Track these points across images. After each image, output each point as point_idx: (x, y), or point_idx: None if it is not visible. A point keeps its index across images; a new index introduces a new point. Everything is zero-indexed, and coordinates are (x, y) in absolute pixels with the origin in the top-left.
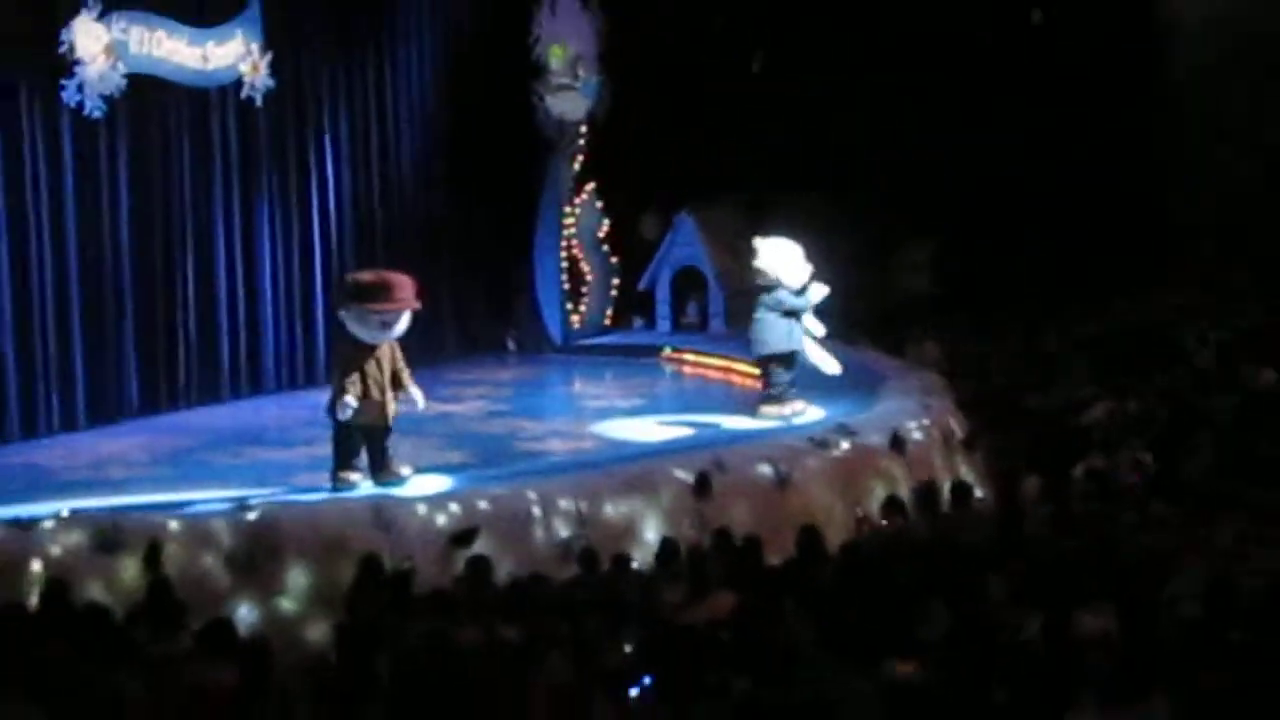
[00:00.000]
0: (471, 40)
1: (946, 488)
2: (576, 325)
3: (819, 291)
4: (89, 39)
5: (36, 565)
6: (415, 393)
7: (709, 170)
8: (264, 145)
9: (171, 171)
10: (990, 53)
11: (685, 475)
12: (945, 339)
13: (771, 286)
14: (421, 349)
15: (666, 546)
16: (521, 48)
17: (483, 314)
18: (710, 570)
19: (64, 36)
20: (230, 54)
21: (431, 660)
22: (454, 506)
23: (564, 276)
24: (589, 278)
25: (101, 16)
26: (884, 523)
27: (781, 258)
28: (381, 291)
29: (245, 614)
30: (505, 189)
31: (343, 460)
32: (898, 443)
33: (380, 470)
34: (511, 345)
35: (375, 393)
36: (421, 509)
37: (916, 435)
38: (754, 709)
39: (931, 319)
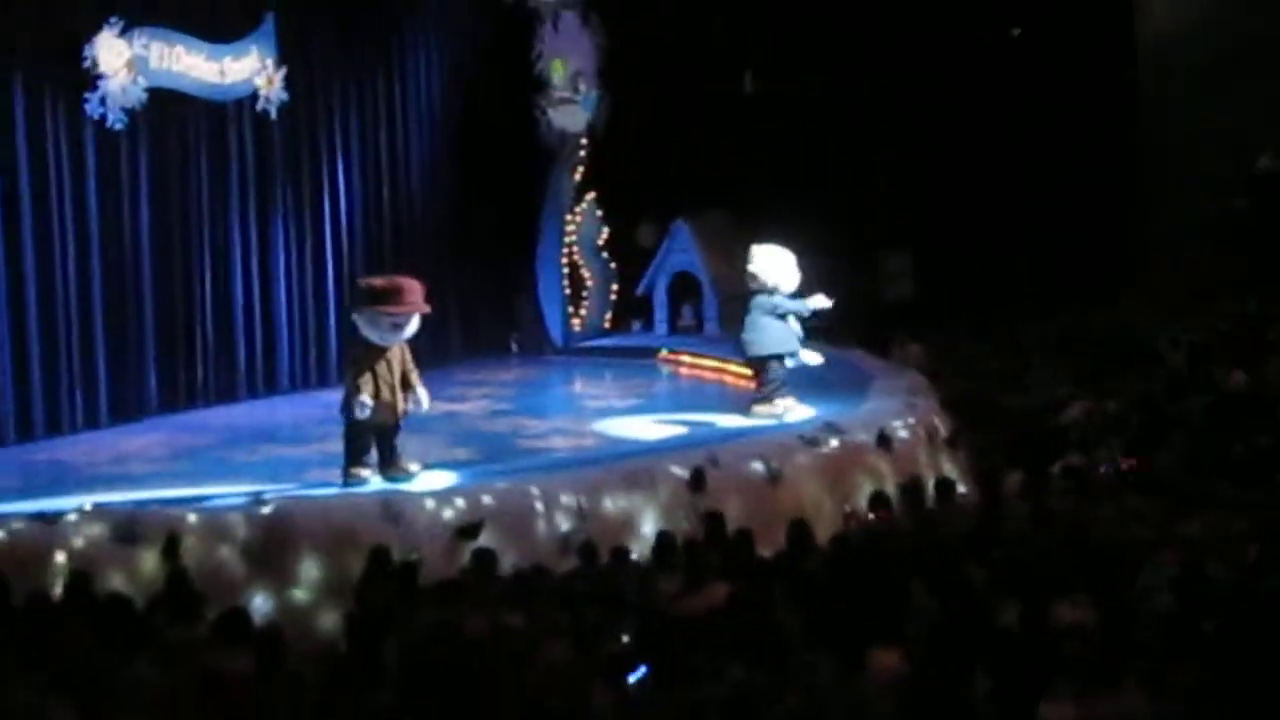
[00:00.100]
0: (477, 56)
1: (931, 483)
2: (577, 328)
3: (820, 302)
4: (111, 54)
5: (60, 557)
6: (422, 394)
7: (703, 181)
8: (278, 156)
9: (190, 180)
10: (970, 71)
11: (681, 471)
12: (929, 341)
13: (765, 290)
14: (429, 350)
15: (663, 540)
16: (524, 63)
17: (487, 317)
18: (705, 562)
19: (87, 52)
20: (246, 69)
21: (438, 648)
22: (460, 501)
23: (565, 281)
24: (589, 283)
25: (123, 33)
26: (871, 517)
27: (775, 263)
28: (392, 295)
29: (260, 604)
30: (509, 198)
31: (353, 457)
32: (884, 440)
33: (389, 466)
34: (515, 347)
35: (386, 392)
36: (429, 503)
37: (902, 433)
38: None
39: (916, 322)
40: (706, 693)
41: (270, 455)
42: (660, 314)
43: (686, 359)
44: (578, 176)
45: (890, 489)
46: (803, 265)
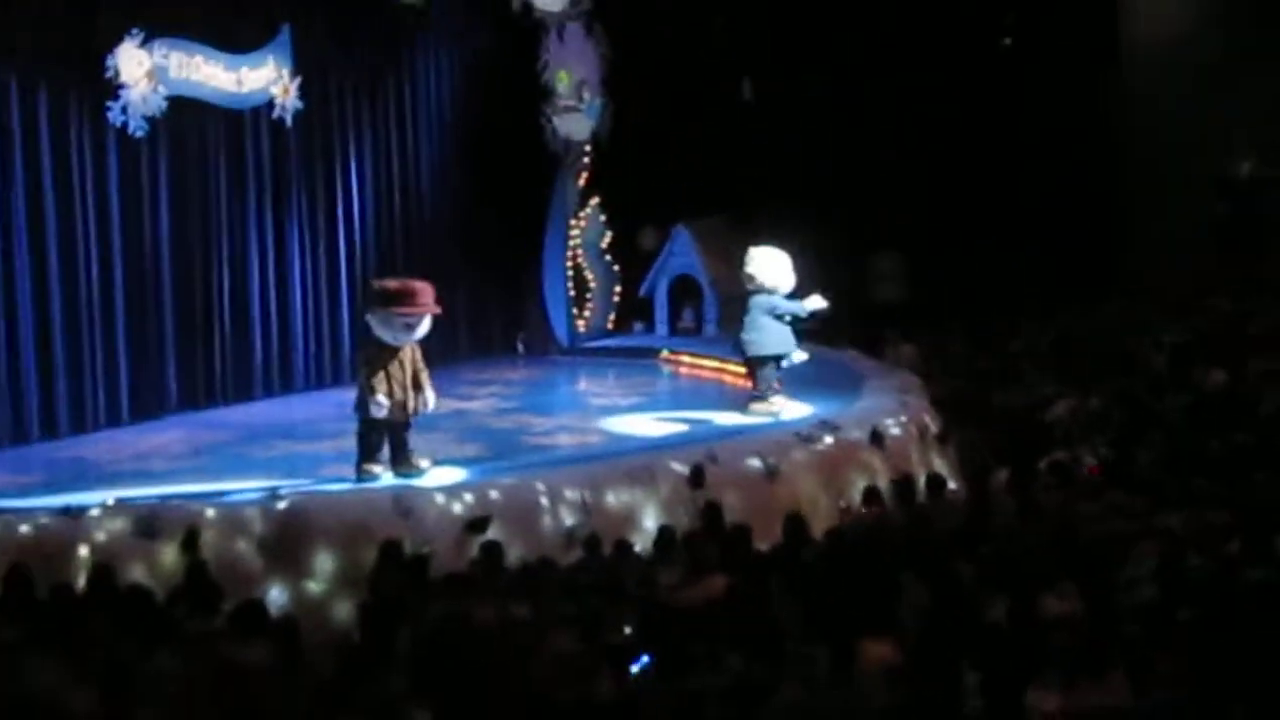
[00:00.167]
0: (485, 65)
1: (922, 479)
2: (581, 329)
3: (816, 302)
4: (132, 64)
5: (84, 550)
6: (429, 396)
7: (703, 186)
8: (293, 162)
9: (208, 186)
10: (961, 80)
11: (681, 467)
12: (921, 342)
13: (762, 291)
14: (438, 350)
15: (664, 533)
16: (531, 73)
17: (495, 318)
18: (704, 555)
19: (109, 62)
20: (262, 78)
21: (448, 637)
22: (468, 496)
23: (570, 284)
24: (593, 285)
25: (144, 43)
26: (864, 511)
27: (772, 265)
28: (405, 297)
29: (276, 595)
30: (516, 203)
31: (366, 453)
32: (877, 438)
33: (400, 462)
34: (521, 347)
35: (398, 391)
36: (439, 498)
37: (894, 431)
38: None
39: (908, 323)
40: (706, 682)
41: (286, 452)
42: (661, 315)
43: (686, 359)
44: (582, 182)
45: (883, 485)
46: (798, 267)
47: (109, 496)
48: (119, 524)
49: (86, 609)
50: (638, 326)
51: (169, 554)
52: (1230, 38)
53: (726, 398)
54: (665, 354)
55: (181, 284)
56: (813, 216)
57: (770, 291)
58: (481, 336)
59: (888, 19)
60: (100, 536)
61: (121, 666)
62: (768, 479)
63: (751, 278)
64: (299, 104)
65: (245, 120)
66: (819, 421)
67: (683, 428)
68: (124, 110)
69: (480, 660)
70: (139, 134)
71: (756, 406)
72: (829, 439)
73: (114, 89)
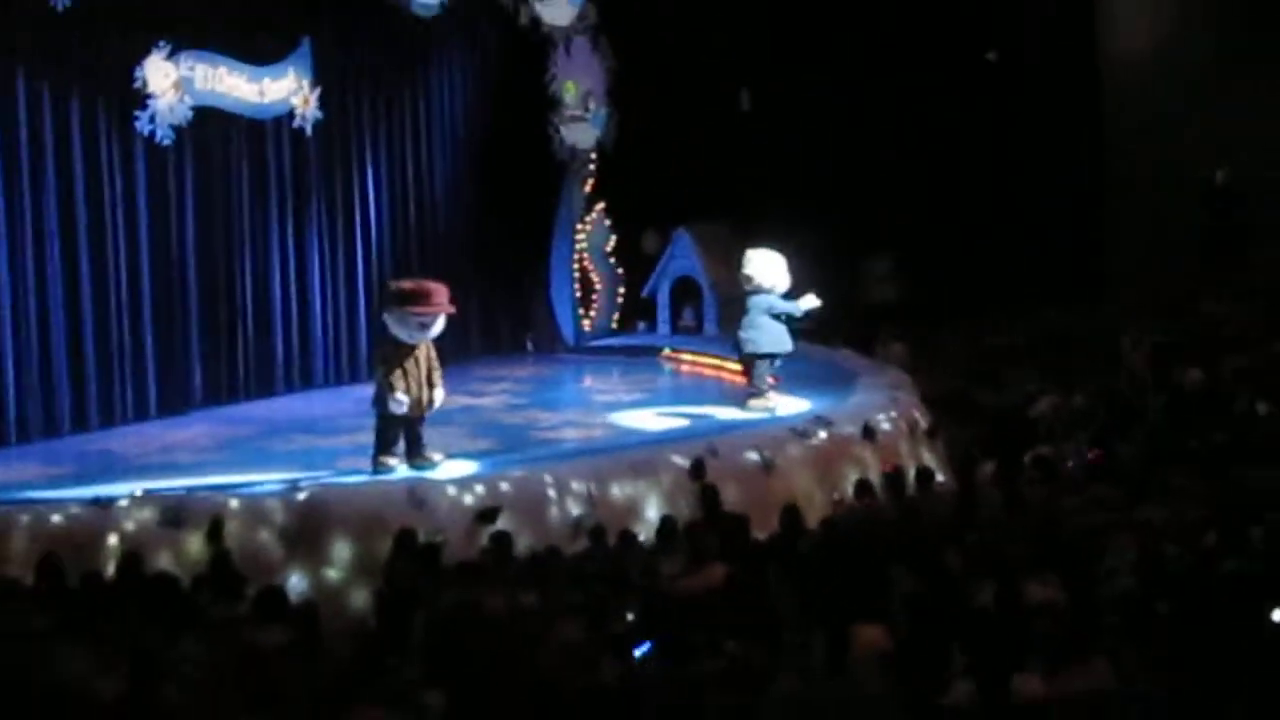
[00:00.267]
0: (496, 77)
1: (912, 472)
2: (587, 328)
3: (811, 302)
4: (160, 75)
5: (113, 539)
6: (438, 394)
7: (703, 192)
8: (312, 169)
9: (231, 192)
10: (949, 93)
11: (682, 461)
12: (911, 341)
13: (760, 291)
14: (451, 348)
15: (666, 524)
16: (539, 84)
17: (505, 318)
18: (704, 545)
19: (138, 73)
20: (284, 89)
21: (460, 623)
22: (479, 488)
23: (576, 285)
24: (598, 286)
25: (171, 56)
26: (857, 503)
27: (768, 265)
28: (420, 297)
29: (296, 583)
30: (525, 208)
31: (382, 446)
32: (869, 433)
33: (415, 456)
34: (530, 346)
35: (414, 388)
36: (451, 490)
37: (885, 426)
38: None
39: (899, 323)
40: (706, 667)
41: (306, 445)
42: (663, 315)
43: (687, 357)
44: (587, 188)
45: (874, 478)
46: (793, 270)
47: (137, 488)
48: (147, 514)
49: (115, 596)
50: (641, 326)
51: (194, 543)
52: (1211, 46)
53: (725, 394)
54: (667, 352)
55: (206, 285)
56: (807, 220)
57: (767, 292)
58: (492, 336)
59: (879, 32)
60: (129, 526)
61: (148, 651)
62: (765, 472)
63: (749, 278)
64: (318, 114)
65: (267, 129)
66: (814, 417)
67: (684, 422)
68: (151, 119)
69: (490, 646)
70: (166, 142)
71: (754, 402)
72: (823, 434)
73: (142, 99)
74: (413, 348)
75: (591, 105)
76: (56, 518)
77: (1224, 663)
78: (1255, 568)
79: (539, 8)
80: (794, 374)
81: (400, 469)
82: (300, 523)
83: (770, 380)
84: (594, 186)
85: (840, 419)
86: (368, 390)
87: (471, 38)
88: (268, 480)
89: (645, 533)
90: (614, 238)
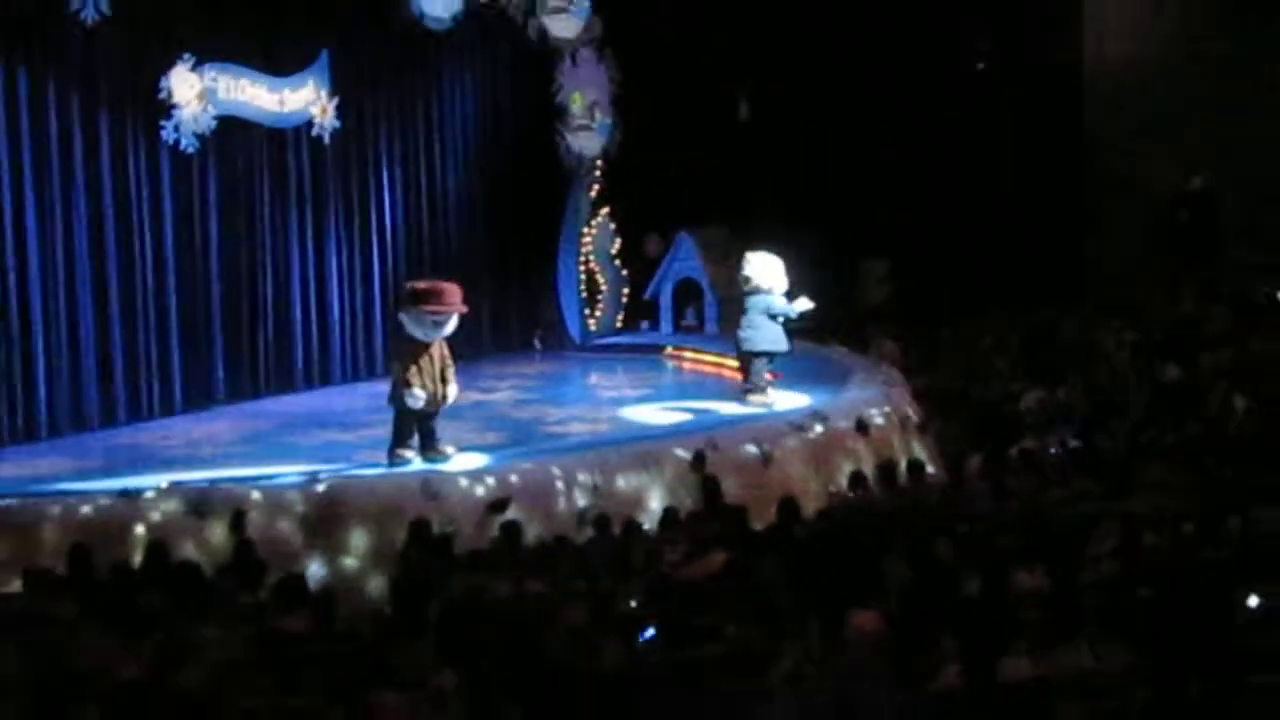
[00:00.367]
0: (505, 88)
1: (903, 465)
2: (593, 327)
3: (805, 304)
4: (184, 86)
5: (140, 529)
6: (450, 390)
7: (704, 197)
8: (330, 175)
9: (253, 197)
10: (939, 102)
11: (684, 453)
12: (903, 339)
13: (758, 292)
14: (463, 346)
15: (668, 514)
16: (547, 95)
17: (514, 318)
18: (705, 533)
19: (163, 84)
20: (303, 99)
21: (472, 609)
22: (490, 480)
23: (582, 286)
24: (603, 287)
25: (195, 67)
26: (851, 494)
27: (766, 267)
28: (434, 296)
29: (315, 570)
30: (533, 213)
31: (398, 440)
32: (863, 427)
33: (429, 449)
34: (538, 344)
35: (428, 384)
36: (463, 481)
37: (878, 420)
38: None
39: (891, 323)
40: (706, 651)
41: (324, 439)
42: (666, 315)
43: (689, 355)
44: (593, 194)
45: (868, 469)
46: (790, 272)
47: (163, 480)
48: (172, 505)
49: (142, 583)
50: (644, 325)
51: (218, 532)
52: (1190, 56)
53: (725, 390)
54: (669, 350)
55: (229, 286)
56: (803, 224)
57: (766, 292)
58: (502, 334)
59: (871, 45)
60: (155, 517)
61: (174, 635)
62: (763, 464)
63: (748, 279)
64: (336, 123)
65: (287, 138)
66: (810, 412)
67: (686, 417)
68: (176, 128)
69: (500, 630)
70: (190, 150)
71: (753, 398)
72: (819, 427)
73: (168, 109)
74: (427, 345)
75: (597, 115)
76: (86, 509)
77: (1199, 643)
78: (1231, 556)
79: (546, 22)
80: (791, 371)
81: (415, 462)
82: (319, 513)
83: (769, 377)
84: (599, 192)
85: (835, 414)
86: (383, 386)
87: (482, 51)
88: (288, 472)
89: (649, 522)
90: (618, 241)
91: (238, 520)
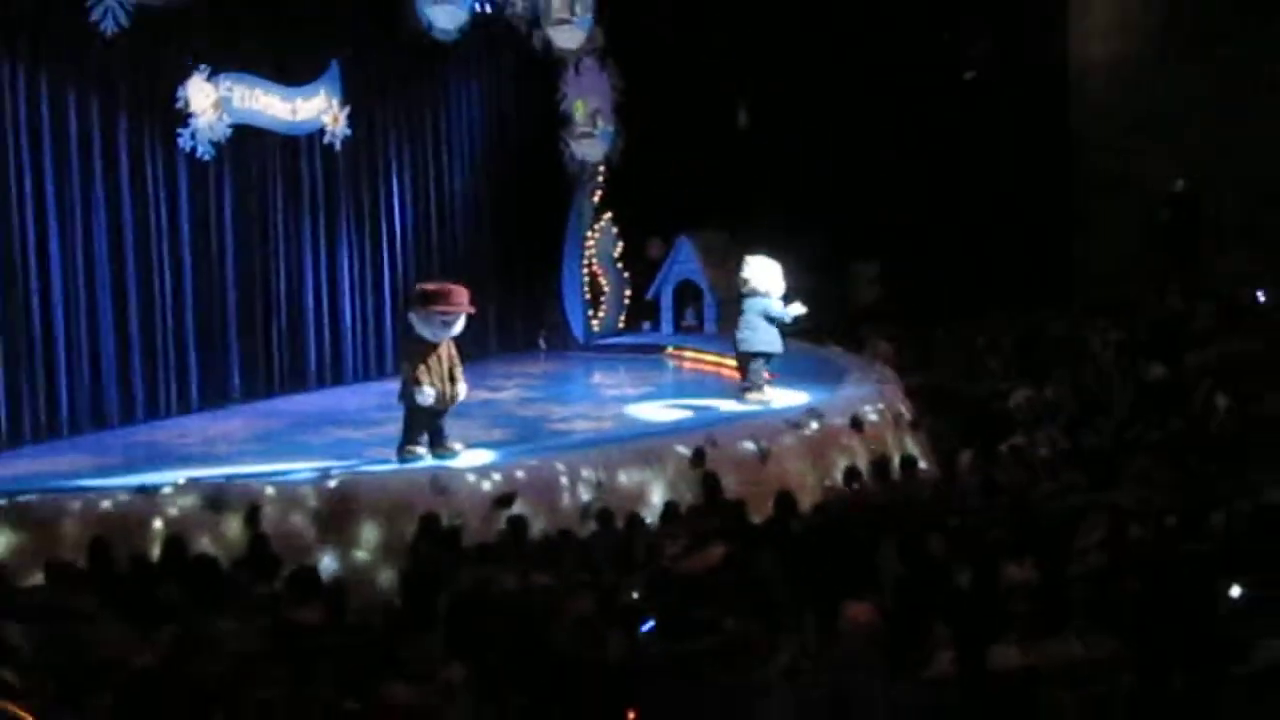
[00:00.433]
0: (511, 97)
1: (897, 460)
2: (596, 328)
3: (797, 309)
4: (200, 95)
5: (158, 524)
6: (461, 388)
7: (703, 202)
8: (342, 182)
9: (267, 203)
10: (930, 110)
11: (684, 450)
12: (896, 339)
13: (756, 294)
14: (470, 346)
15: (669, 508)
16: (551, 103)
17: (520, 319)
18: (705, 527)
19: (180, 94)
20: (315, 108)
21: (479, 601)
22: (496, 475)
23: (585, 288)
24: (606, 289)
25: (210, 77)
26: (846, 488)
27: (764, 272)
28: (443, 297)
29: (328, 563)
30: (538, 217)
31: (408, 437)
32: (857, 423)
33: (437, 445)
34: (543, 344)
35: (436, 382)
36: (471, 477)
37: (872, 417)
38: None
39: (884, 323)
40: (706, 641)
41: (336, 437)
42: (666, 316)
43: (689, 354)
44: (596, 199)
45: (862, 465)
46: (787, 274)
47: (180, 476)
48: (189, 500)
49: (160, 576)
50: (646, 326)
51: (234, 527)
52: (1173, 60)
53: (724, 388)
54: (670, 350)
55: (244, 288)
56: (799, 228)
57: (763, 295)
58: (508, 335)
59: (864, 56)
60: (172, 512)
61: (191, 627)
62: (761, 460)
63: (746, 282)
64: (347, 131)
65: (300, 145)
66: (806, 409)
67: (686, 414)
68: (193, 136)
69: (507, 621)
70: (206, 157)
71: (751, 396)
72: (815, 424)
73: (184, 118)
74: (435, 345)
75: (599, 122)
76: (106, 504)
77: (1182, 632)
78: (1213, 549)
79: (550, 33)
80: (788, 370)
81: (425, 458)
82: (331, 508)
83: (766, 376)
84: (602, 197)
85: (830, 411)
86: (394, 385)
87: (488, 61)
88: (301, 469)
89: (650, 516)
90: (621, 244)
91: (252, 515)
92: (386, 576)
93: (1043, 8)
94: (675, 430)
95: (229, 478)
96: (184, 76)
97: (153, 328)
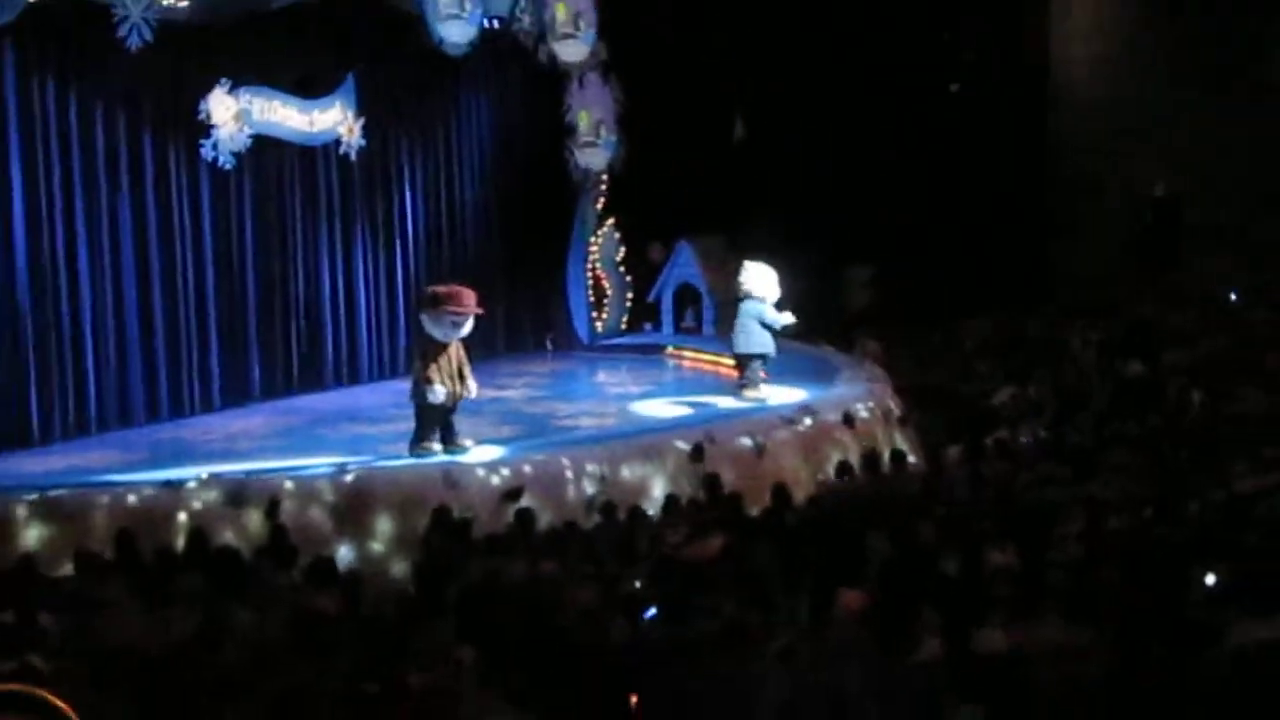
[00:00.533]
0: (518, 108)
1: (887, 454)
2: (599, 329)
3: (788, 318)
4: (221, 108)
5: (182, 517)
6: (471, 386)
7: (702, 209)
8: (357, 190)
9: (286, 210)
10: (918, 120)
11: (684, 445)
12: (886, 340)
13: (752, 298)
14: (479, 347)
15: (670, 500)
16: (556, 114)
17: (527, 320)
18: (704, 518)
19: (202, 106)
20: (331, 119)
21: (489, 589)
22: (505, 470)
23: (589, 291)
24: (609, 292)
25: (231, 90)
26: (838, 481)
27: (761, 277)
28: (453, 299)
29: (344, 554)
30: (544, 223)
31: (421, 434)
32: (849, 420)
33: (448, 441)
34: (549, 345)
35: (446, 381)
36: (480, 472)
37: (864, 414)
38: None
39: (875, 324)
40: (705, 627)
41: (352, 433)
42: (667, 317)
43: (688, 354)
44: (599, 206)
45: (854, 459)
46: (782, 278)
47: (203, 471)
48: (212, 495)
49: (184, 566)
50: (647, 326)
51: (254, 520)
52: (1152, 63)
53: (722, 386)
54: (670, 350)
55: (263, 291)
56: (794, 233)
57: (759, 300)
58: (516, 335)
59: (856, 67)
60: (196, 505)
61: (213, 616)
62: (757, 455)
63: (742, 284)
64: (362, 141)
65: (316, 155)
66: (801, 406)
67: (686, 411)
68: (214, 147)
69: (515, 609)
70: (227, 166)
71: (747, 394)
72: (808, 421)
73: (206, 129)
74: (445, 345)
75: (602, 132)
76: (132, 498)
77: (1158, 620)
78: (1188, 537)
79: (556, 47)
80: (783, 369)
81: (437, 453)
82: (348, 501)
83: (762, 375)
84: (605, 204)
85: (824, 408)
86: (407, 384)
87: (496, 75)
88: (319, 464)
89: (652, 509)
90: (623, 249)
91: (272, 508)
92: (400, 567)
93: (1024, 10)
94: (675, 426)
95: (250, 473)
96: (206, 90)
97: (177, 330)
